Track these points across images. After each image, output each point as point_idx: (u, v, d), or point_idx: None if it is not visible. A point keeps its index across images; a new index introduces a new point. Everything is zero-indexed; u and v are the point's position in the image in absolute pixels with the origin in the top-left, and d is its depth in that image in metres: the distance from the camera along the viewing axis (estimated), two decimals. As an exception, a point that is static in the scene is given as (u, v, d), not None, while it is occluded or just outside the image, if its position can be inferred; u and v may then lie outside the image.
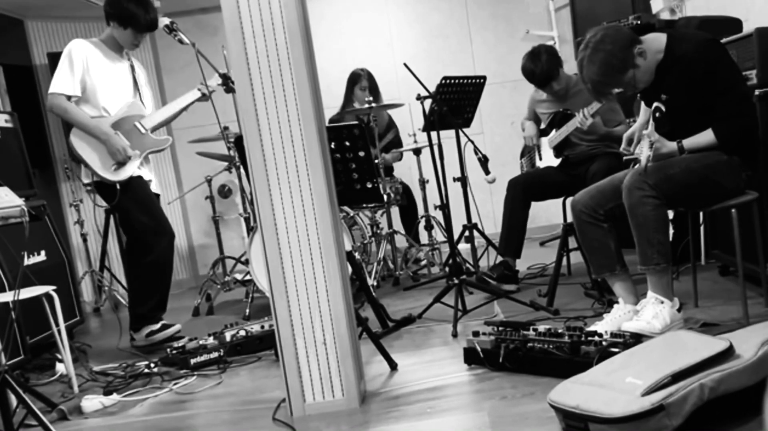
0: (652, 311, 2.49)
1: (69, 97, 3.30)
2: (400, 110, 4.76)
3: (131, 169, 3.39)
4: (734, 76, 2.49)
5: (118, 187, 3.36)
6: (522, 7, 5.63)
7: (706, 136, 2.48)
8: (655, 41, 2.54)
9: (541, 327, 2.46)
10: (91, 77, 3.32)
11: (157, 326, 3.45)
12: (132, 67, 3.52)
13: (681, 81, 2.49)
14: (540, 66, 3.61)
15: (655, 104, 2.59)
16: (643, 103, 2.85)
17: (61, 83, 3.28)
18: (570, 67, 3.95)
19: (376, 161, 4.18)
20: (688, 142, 2.50)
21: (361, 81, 4.79)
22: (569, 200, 3.99)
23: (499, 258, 3.77)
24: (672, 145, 2.51)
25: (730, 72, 2.47)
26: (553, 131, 3.79)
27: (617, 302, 2.71)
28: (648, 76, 2.55)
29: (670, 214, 3.54)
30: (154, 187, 3.58)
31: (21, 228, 2.78)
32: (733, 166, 2.50)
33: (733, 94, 2.46)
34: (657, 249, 2.46)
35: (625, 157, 2.73)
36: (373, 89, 4.79)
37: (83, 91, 3.32)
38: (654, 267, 2.48)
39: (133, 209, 3.41)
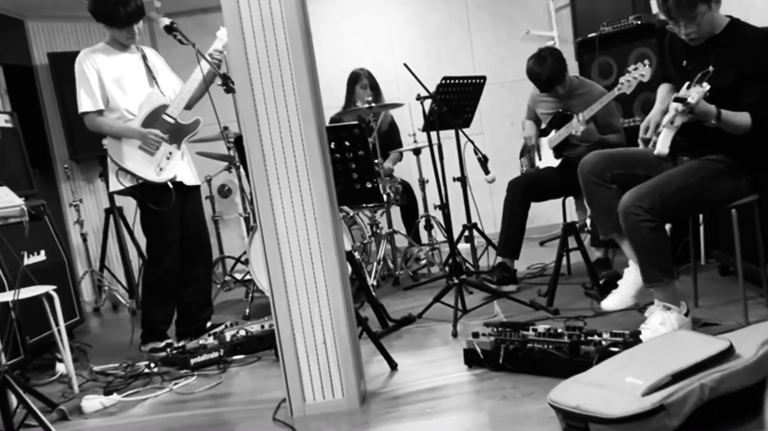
0: (659, 318, 2.48)
1: (100, 112, 3.31)
2: (400, 110, 4.76)
3: (174, 166, 3.37)
4: None
5: (170, 185, 3.32)
6: (522, 7, 5.63)
7: (743, 116, 2.41)
8: (720, 15, 2.51)
9: (541, 328, 2.47)
10: (105, 84, 3.31)
11: (161, 344, 3.38)
12: (144, 57, 3.48)
13: (735, 59, 2.44)
14: (546, 70, 3.59)
15: (686, 83, 2.53)
16: (660, 92, 2.80)
17: (86, 101, 3.29)
18: (571, 68, 3.95)
19: (375, 161, 4.18)
20: (726, 113, 2.40)
21: (361, 80, 4.81)
22: (569, 200, 4.02)
23: (497, 259, 3.77)
24: (711, 107, 2.39)
25: None
26: (553, 131, 3.79)
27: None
28: (706, 30, 2.48)
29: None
30: (190, 180, 3.50)
31: (21, 228, 2.78)
32: (732, 173, 2.49)
33: None
34: (658, 268, 2.47)
35: (641, 139, 2.67)
36: (374, 87, 4.81)
37: (105, 100, 3.32)
38: (657, 284, 2.49)
39: (149, 223, 3.39)
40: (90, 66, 3.30)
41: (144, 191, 3.34)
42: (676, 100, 2.35)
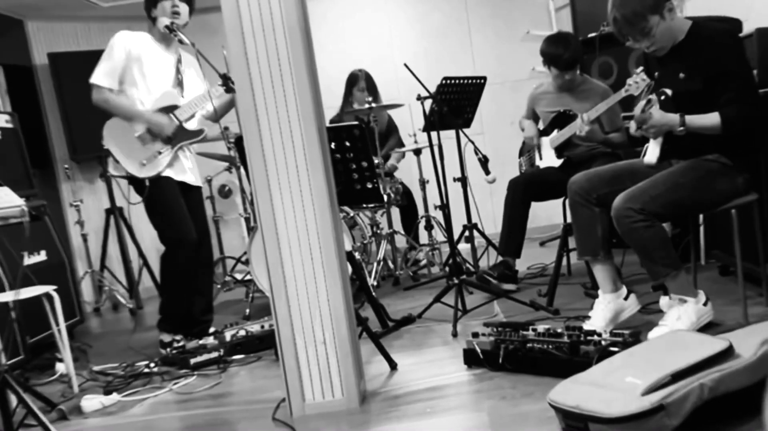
0: (675, 313, 2.47)
1: (110, 90, 3.27)
2: (400, 110, 4.76)
3: (160, 166, 3.31)
4: (748, 68, 2.50)
5: (147, 183, 3.28)
6: (522, 6, 5.63)
7: (711, 118, 2.40)
8: (681, 21, 2.51)
9: (541, 328, 2.47)
10: (132, 69, 3.28)
11: (168, 339, 3.35)
12: (179, 60, 3.45)
13: (702, 64, 2.44)
14: (571, 49, 3.57)
15: (660, 89, 2.55)
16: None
17: (102, 75, 3.26)
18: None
19: (377, 161, 4.18)
20: (691, 118, 2.41)
21: (359, 82, 4.79)
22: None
23: (499, 258, 3.78)
24: (671, 116, 2.42)
25: (745, 64, 2.47)
26: (555, 131, 3.78)
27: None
28: (665, 40, 2.49)
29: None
30: (192, 180, 3.49)
31: (21, 228, 2.79)
32: (726, 172, 2.48)
33: (743, 82, 2.43)
34: (662, 263, 2.45)
35: (632, 132, 2.67)
36: (372, 89, 4.78)
37: (121, 83, 3.29)
38: (664, 279, 2.49)
39: (156, 214, 3.34)
40: (122, 47, 3.27)
41: (132, 180, 3.33)
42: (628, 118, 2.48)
